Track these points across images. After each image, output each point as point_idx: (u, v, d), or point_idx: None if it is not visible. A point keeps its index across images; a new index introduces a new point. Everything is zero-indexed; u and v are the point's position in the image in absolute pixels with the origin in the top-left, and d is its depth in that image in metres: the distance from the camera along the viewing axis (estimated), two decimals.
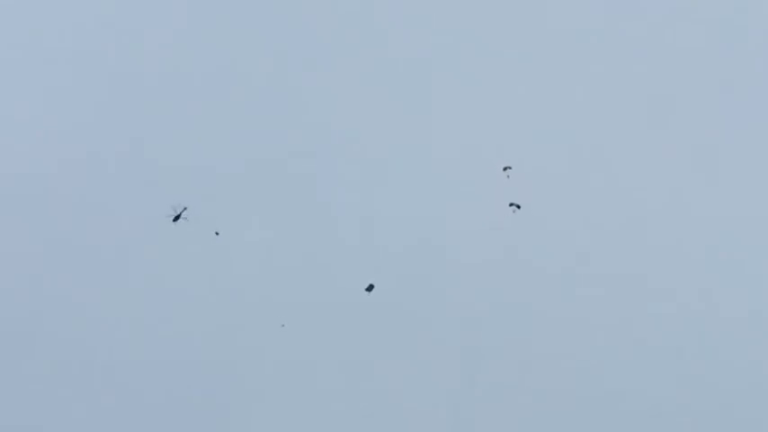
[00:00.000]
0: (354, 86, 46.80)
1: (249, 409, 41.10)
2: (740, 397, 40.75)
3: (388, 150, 45.09)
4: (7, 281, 43.50)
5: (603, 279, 42.09)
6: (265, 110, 46.44)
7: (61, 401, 40.81)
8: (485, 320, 41.54)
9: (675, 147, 44.13)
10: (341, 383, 41.16)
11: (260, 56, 47.33)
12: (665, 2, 46.61)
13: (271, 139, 45.81)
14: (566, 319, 41.61)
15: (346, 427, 40.42)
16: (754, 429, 40.12)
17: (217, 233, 42.37)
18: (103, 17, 48.20)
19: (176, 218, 41.26)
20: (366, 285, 42.07)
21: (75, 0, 47.94)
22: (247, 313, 42.60)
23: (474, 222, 43.16)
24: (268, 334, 42.25)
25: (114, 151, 45.76)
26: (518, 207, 40.27)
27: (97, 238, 44.02)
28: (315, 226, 44.10)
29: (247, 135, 45.81)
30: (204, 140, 45.79)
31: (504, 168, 40.74)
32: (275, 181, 44.86)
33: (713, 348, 40.91)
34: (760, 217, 42.64)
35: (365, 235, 43.38)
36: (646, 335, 41.12)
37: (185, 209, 41.10)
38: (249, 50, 47.24)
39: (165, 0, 48.45)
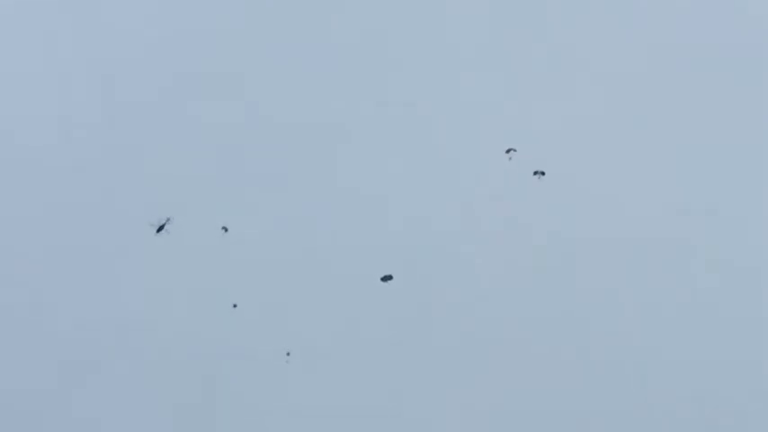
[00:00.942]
0: (355, 84, 46.62)
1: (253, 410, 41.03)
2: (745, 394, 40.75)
3: (390, 145, 44.91)
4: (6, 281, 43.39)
5: (607, 277, 41.89)
6: (265, 105, 46.24)
7: (59, 404, 40.68)
8: (490, 318, 41.43)
9: (681, 145, 43.89)
10: (347, 382, 41.03)
11: (260, 50, 47.20)
12: None
13: (270, 138, 45.58)
14: (571, 315, 41.42)
15: (350, 425, 40.33)
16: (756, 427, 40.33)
17: (225, 229, 42.09)
18: (97, 17, 48.10)
19: (159, 228, 41.05)
20: (381, 276, 41.73)
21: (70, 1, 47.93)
22: (251, 312, 42.44)
23: (478, 215, 43.06)
24: (271, 335, 42.01)
25: (115, 147, 45.63)
26: (542, 174, 39.75)
27: (93, 236, 43.82)
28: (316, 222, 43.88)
29: (246, 130, 45.60)
30: (205, 137, 45.59)
31: (508, 150, 40.49)
32: (276, 181, 44.64)
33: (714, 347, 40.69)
34: None
35: (369, 232, 43.20)
36: (651, 335, 40.91)
37: (168, 219, 40.91)
38: (248, 44, 47.10)
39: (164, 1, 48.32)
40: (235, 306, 41.38)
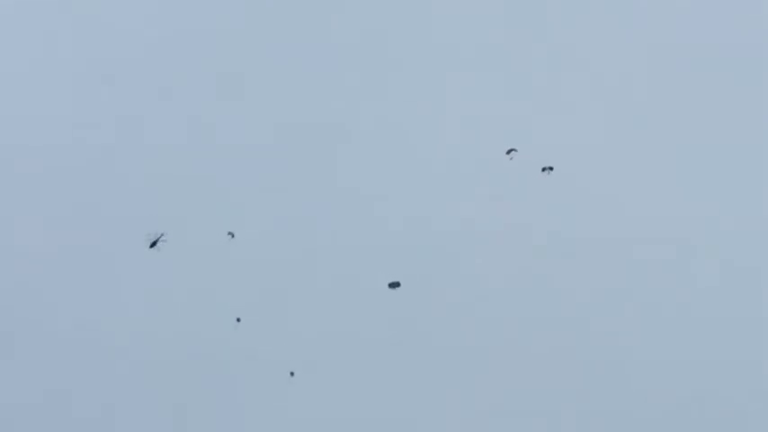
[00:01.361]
0: (355, 84, 46.60)
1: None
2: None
3: (390, 145, 44.87)
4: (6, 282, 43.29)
5: (607, 277, 41.83)
6: (265, 105, 46.17)
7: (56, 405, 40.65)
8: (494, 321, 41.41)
9: (685, 150, 43.87)
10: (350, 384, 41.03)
11: (260, 50, 47.15)
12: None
13: (270, 138, 45.51)
14: (571, 315, 41.38)
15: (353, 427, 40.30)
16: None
17: (232, 234, 42.03)
18: (97, 17, 48.02)
19: (153, 244, 41.13)
20: (389, 282, 41.56)
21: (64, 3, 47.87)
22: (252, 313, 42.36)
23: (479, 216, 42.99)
24: (273, 338, 41.95)
25: (114, 146, 45.54)
26: (551, 169, 39.51)
27: (94, 239, 43.71)
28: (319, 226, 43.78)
29: (247, 130, 45.53)
30: (205, 137, 45.51)
31: (509, 151, 40.37)
32: (275, 180, 44.56)
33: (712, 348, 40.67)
34: None
35: (372, 234, 43.14)
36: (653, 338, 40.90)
37: (162, 235, 40.99)
38: (248, 44, 47.05)
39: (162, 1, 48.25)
40: (238, 320, 41.29)
